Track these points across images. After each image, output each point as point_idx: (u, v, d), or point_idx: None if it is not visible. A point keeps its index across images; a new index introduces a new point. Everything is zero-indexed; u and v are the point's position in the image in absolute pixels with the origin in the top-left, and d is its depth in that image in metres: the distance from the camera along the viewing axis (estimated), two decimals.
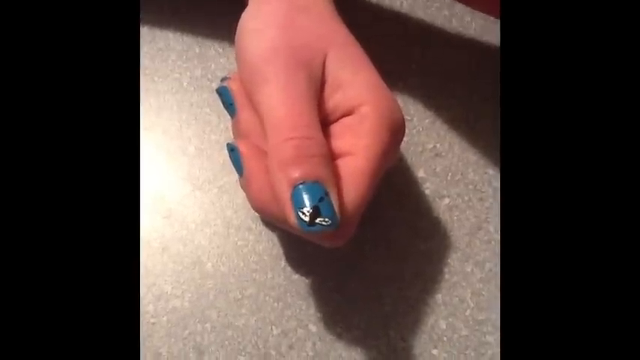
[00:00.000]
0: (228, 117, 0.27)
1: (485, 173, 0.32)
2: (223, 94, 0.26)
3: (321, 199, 0.22)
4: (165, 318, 0.29)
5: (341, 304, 0.30)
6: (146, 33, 0.35)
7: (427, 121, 0.33)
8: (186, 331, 0.29)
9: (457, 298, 0.30)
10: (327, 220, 0.22)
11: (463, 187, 0.32)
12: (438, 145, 0.33)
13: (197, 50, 0.35)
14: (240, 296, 0.30)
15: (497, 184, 0.32)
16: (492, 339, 0.29)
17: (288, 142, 0.22)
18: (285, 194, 0.22)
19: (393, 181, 0.32)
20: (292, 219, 0.22)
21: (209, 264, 0.30)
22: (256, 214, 0.31)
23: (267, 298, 0.30)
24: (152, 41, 0.35)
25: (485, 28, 0.36)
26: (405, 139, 0.26)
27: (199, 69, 0.34)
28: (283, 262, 0.30)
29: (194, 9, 0.35)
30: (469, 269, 0.31)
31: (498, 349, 0.29)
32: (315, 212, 0.21)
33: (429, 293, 0.30)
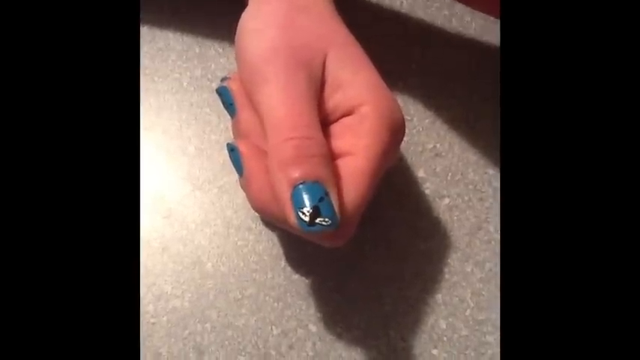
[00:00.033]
0: (228, 117, 0.27)
1: (485, 173, 0.32)
2: (223, 94, 0.26)
3: (321, 199, 0.22)
4: (165, 318, 0.29)
5: (341, 304, 0.30)
6: (146, 33, 0.35)
7: (427, 121, 0.33)
8: (186, 331, 0.29)
9: (457, 298, 0.30)
10: (327, 220, 0.22)
11: (463, 187, 0.32)
12: (438, 145, 0.33)
13: (197, 50, 0.35)
14: (240, 296, 0.30)
15: (497, 184, 0.32)
16: (492, 339, 0.29)
17: (288, 142, 0.22)
18: (285, 194, 0.22)
19: (393, 181, 0.32)
20: (292, 219, 0.22)
21: (209, 264, 0.30)
22: (256, 214, 0.31)
23: (267, 298, 0.30)
24: (152, 41, 0.35)
25: (485, 28, 0.36)
26: (404, 139, 0.26)
27: (199, 69, 0.34)
28: (283, 262, 0.30)
29: (194, 9, 0.35)
30: (469, 269, 0.31)
31: (498, 349, 0.29)
32: (315, 212, 0.21)
33: (429, 293, 0.30)
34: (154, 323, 0.29)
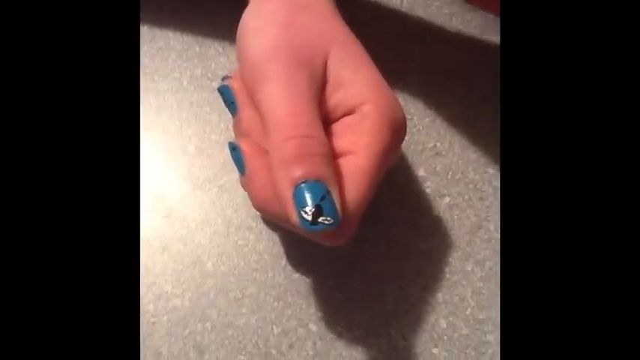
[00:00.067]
0: (229, 116, 0.27)
1: (486, 172, 0.32)
2: (225, 92, 0.26)
3: (322, 198, 0.22)
4: (165, 317, 0.29)
5: (342, 303, 0.30)
6: (146, 32, 0.35)
7: (427, 119, 0.33)
8: (187, 331, 0.29)
9: (457, 297, 0.30)
10: (329, 219, 0.22)
11: (463, 186, 0.32)
12: (438, 144, 0.33)
13: (197, 49, 0.35)
14: (240, 295, 0.30)
15: (497, 182, 0.32)
16: (492, 338, 0.29)
17: (290, 141, 0.22)
18: (287, 193, 0.22)
19: (394, 180, 0.32)
20: (294, 218, 0.22)
21: (209, 263, 0.30)
22: (257, 213, 0.31)
23: (267, 297, 0.30)
24: (152, 40, 0.35)
25: (485, 26, 0.36)
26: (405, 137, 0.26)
27: (199, 68, 0.34)
28: (284, 261, 0.30)
29: (194, 8, 0.35)
30: (469, 268, 0.31)
31: (498, 348, 0.29)
32: (318, 211, 0.21)
33: (429, 292, 0.30)
34: (154, 322, 0.29)
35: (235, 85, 0.26)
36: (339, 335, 0.29)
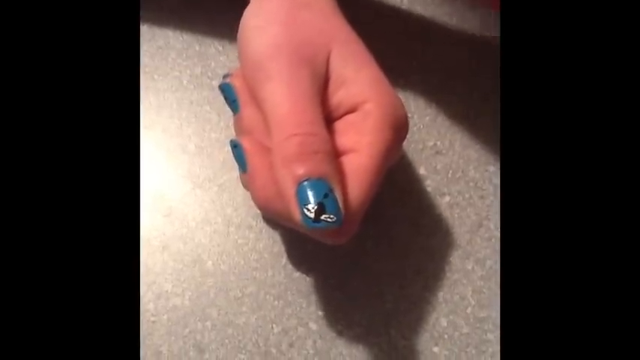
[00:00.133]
0: (229, 115, 0.27)
1: (486, 171, 0.32)
2: (226, 90, 0.26)
3: (325, 196, 0.22)
4: (165, 316, 0.29)
5: (342, 302, 0.30)
6: (146, 31, 0.35)
7: (428, 118, 0.33)
8: (187, 330, 0.29)
9: (458, 296, 0.30)
10: (331, 216, 0.22)
11: (464, 185, 0.32)
12: (438, 143, 0.33)
13: (197, 48, 0.35)
14: (240, 294, 0.30)
15: (497, 181, 0.32)
16: (493, 337, 0.29)
17: (292, 139, 0.22)
18: (290, 191, 0.22)
19: (395, 179, 0.32)
20: (297, 215, 0.22)
21: (209, 262, 0.30)
22: (257, 212, 0.31)
23: (267, 296, 0.30)
24: (152, 39, 0.35)
25: (486, 25, 0.36)
26: None
27: (199, 67, 0.34)
28: (284, 260, 0.30)
29: (193, 7, 0.35)
30: (470, 267, 0.31)
31: (499, 347, 0.29)
32: (320, 209, 0.21)
33: (430, 291, 0.30)
34: (154, 322, 0.29)
35: (237, 83, 0.26)
36: (340, 334, 0.29)
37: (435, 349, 0.29)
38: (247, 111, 0.25)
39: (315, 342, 0.29)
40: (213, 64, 0.34)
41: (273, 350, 0.29)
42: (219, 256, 0.30)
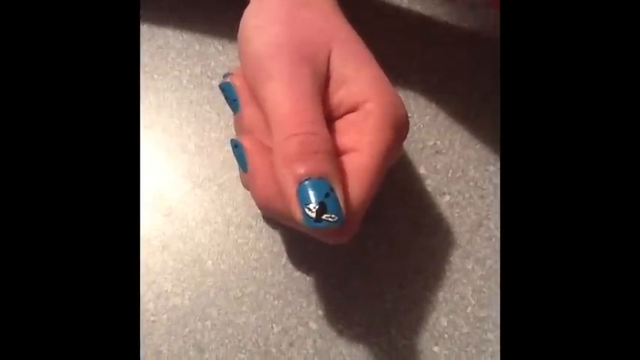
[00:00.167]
0: (229, 114, 0.27)
1: (486, 170, 0.32)
2: (227, 89, 0.26)
3: (326, 195, 0.22)
4: (165, 316, 0.29)
5: (342, 302, 0.30)
6: (146, 31, 0.35)
7: (428, 117, 0.33)
8: (187, 329, 0.29)
9: (458, 296, 0.30)
10: (333, 216, 0.22)
11: (464, 184, 0.32)
12: (438, 142, 0.33)
13: (197, 48, 0.35)
14: (240, 294, 0.30)
15: (497, 180, 0.32)
16: (493, 336, 0.29)
17: (293, 139, 0.22)
18: (291, 190, 0.22)
19: (395, 178, 0.32)
20: (298, 215, 0.22)
21: (209, 262, 0.30)
22: (257, 212, 0.31)
23: (267, 295, 0.30)
24: (152, 39, 0.35)
25: (486, 25, 0.36)
26: None
27: (199, 66, 0.34)
28: (284, 260, 0.30)
29: (193, 6, 0.35)
30: (470, 266, 0.31)
31: (499, 347, 0.29)
32: (321, 208, 0.21)
33: (430, 290, 0.30)
34: (154, 321, 0.29)
35: (237, 82, 0.26)
36: (340, 333, 0.29)
37: (435, 349, 0.29)
38: (248, 110, 0.25)
39: (315, 341, 0.29)
40: (213, 63, 0.34)
41: (273, 350, 0.29)
42: (219, 256, 0.30)
